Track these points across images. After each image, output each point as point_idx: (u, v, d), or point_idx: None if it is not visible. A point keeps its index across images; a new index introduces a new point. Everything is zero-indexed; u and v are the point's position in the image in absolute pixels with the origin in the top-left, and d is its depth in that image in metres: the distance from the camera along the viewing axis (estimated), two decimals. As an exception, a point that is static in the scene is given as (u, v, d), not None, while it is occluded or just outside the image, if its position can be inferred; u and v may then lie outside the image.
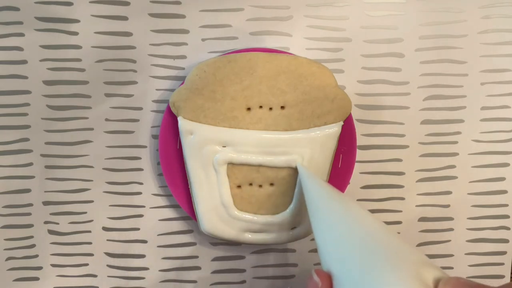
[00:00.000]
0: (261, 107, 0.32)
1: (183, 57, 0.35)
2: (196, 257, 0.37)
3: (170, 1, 0.34)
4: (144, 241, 0.37)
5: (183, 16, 0.35)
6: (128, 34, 0.35)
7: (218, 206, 0.33)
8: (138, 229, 0.37)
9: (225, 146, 0.32)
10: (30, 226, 0.36)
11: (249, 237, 0.33)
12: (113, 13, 0.34)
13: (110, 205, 0.36)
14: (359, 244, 0.23)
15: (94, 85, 0.35)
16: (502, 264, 0.37)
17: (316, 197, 0.28)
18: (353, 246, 0.23)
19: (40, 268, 0.37)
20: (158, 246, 0.37)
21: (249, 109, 0.32)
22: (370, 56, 0.35)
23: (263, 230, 0.33)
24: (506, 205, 0.37)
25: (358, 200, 0.37)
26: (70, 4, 0.34)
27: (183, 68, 0.35)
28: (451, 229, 0.37)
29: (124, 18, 0.35)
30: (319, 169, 0.32)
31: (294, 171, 0.32)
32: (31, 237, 0.36)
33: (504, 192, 0.37)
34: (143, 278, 0.37)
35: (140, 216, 0.36)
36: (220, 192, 0.32)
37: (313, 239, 0.37)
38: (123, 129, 0.36)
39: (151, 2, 0.34)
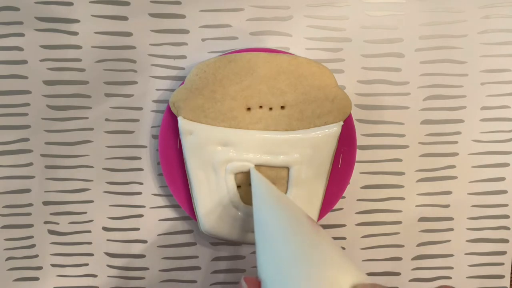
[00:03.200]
0: (261, 107, 0.32)
1: (183, 57, 0.35)
2: (196, 257, 0.37)
3: (170, 1, 0.34)
4: (144, 241, 0.37)
5: (183, 16, 0.35)
6: (128, 34, 0.35)
7: (218, 206, 0.33)
8: (138, 229, 0.37)
9: (225, 146, 0.32)
10: (30, 226, 0.36)
11: (249, 237, 0.33)
12: (113, 13, 0.34)
13: (110, 205, 0.36)
14: (286, 253, 0.23)
15: (94, 85, 0.35)
16: (502, 264, 0.37)
17: (259, 204, 0.28)
18: (281, 255, 0.23)
19: (40, 268, 0.37)
20: (158, 246, 0.37)
21: (249, 109, 0.32)
22: (370, 56, 0.35)
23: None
24: (506, 205, 0.37)
25: (358, 200, 0.37)
26: (70, 4, 0.34)
27: (183, 68, 0.35)
28: (451, 229, 0.37)
29: (124, 18, 0.35)
30: (319, 169, 0.33)
31: (294, 171, 0.32)
32: (31, 237, 0.36)
33: (504, 192, 0.37)
34: (143, 278, 0.37)
35: (140, 216, 0.36)
36: (228, 188, 0.32)
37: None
38: (123, 129, 0.36)
39: (151, 2, 0.34)
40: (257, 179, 0.30)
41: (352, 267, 0.22)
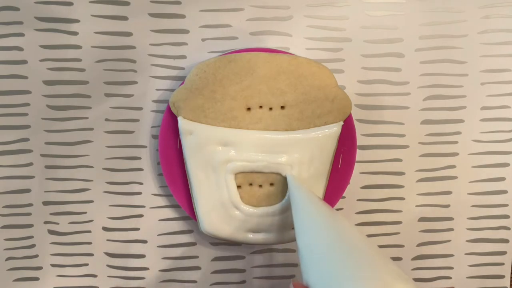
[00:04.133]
0: (261, 107, 0.32)
1: (183, 57, 0.35)
2: (196, 257, 0.37)
3: (170, 1, 0.34)
4: (144, 241, 0.37)
5: (183, 16, 0.35)
6: (128, 34, 0.35)
7: (218, 206, 0.33)
8: (138, 229, 0.37)
9: (225, 146, 0.32)
10: (30, 226, 0.36)
11: (249, 237, 0.33)
12: (113, 13, 0.34)
13: (110, 205, 0.36)
14: (335, 259, 0.23)
15: (94, 85, 0.35)
16: (502, 264, 0.37)
17: (302, 210, 0.28)
18: (330, 261, 0.23)
19: (40, 268, 0.37)
20: (158, 246, 0.37)
21: (249, 109, 0.32)
22: (370, 56, 0.35)
23: (263, 229, 0.33)
24: (506, 205, 0.37)
25: (358, 200, 0.37)
26: (70, 4, 0.34)
27: (183, 68, 0.35)
28: (451, 229, 0.37)
29: (124, 18, 0.35)
30: (319, 169, 0.33)
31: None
32: (31, 237, 0.36)
33: (504, 192, 0.37)
34: (143, 278, 0.37)
35: (140, 216, 0.36)
36: (228, 188, 0.32)
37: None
38: (123, 129, 0.36)
39: (151, 2, 0.34)
40: (295, 185, 0.30)
41: (401, 273, 0.22)
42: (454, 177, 0.37)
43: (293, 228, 0.33)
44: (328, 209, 0.28)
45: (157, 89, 0.35)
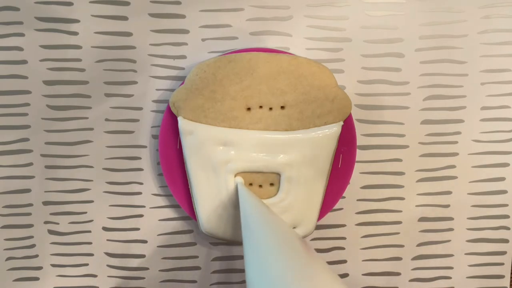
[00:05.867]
0: (261, 107, 0.32)
1: (183, 57, 0.35)
2: (196, 257, 0.37)
3: (170, 1, 0.34)
4: (144, 241, 0.37)
5: (183, 16, 0.35)
6: (128, 34, 0.35)
7: (218, 206, 0.33)
8: (138, 229, 0.37)
9: (225, 146, 0.32)
10: (30, 226, 0.36)
11: (249, 237, 0.33)
12: (113, 13, 0.34)
13: (110, 205, 0.36)
14: (278, 271, 0.22)
15: (94, 85, 0.35)
16: (502, 264, 0.37)
17: (248, 221, 0.27)
18: (272, 273, 0.22)
19: (40, 268, 0.37)
20: (158, 246, 0.37)
21: (249, 109, 0.32)
22: (370, 56, 0.35)
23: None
24: (506, 205, 0.37)
25: (358, 200, 0.37)
26: (70, 4, 0.34)
27: (183, 68, 0.35)
28: (451, 229, 0.37)
29: (124, 18, 0.35)
30: (319, 169, 0.33)
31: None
32: (31, 237, 0.36)
33: (504, 192, 0.37)
34: (143, 278, 0.37)
35: (140, 216, 0.36)
36: (228, 188, 0.32)
37: (312, 239, 0.37)
38: (123, 129, 0.36)
39: (151, 2, 0.34)
40: (245, 195, 0.30)
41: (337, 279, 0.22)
42: (454, 177, 0.37)
43: (292, 228, 0.33)
44: (277, 221, 0.28)
45: (157, 89, 0.35)
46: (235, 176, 0.32)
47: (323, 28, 0.35)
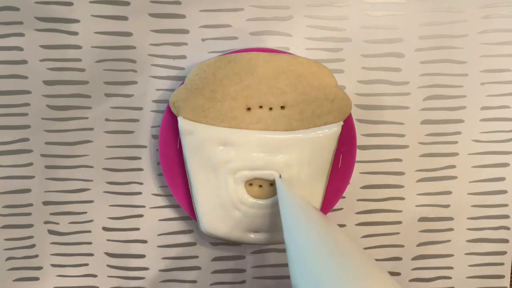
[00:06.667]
0: (261, 107, 0.32)
1: (183, 57, 0.35)
2: (196, 257, 0.37)
3: (170, 1, 0.34)
4: (144, 241, 0.37)
5: (183, 16, 0.35)
6: (128, 34, 0.35)
7: (218, 206, 0.33)
8: (138, 229, 0.37)
9: (225, 146, 0.32)
10: (30, 226, 0.36)
11: (249, 237, 0.33)
12: (113, 13, 0.34)
13: (110, 205, 0.36)
14: (324, 262, 0.22)
15: (94, 85, 0.35)
16: (502, 264, 0.37)
17: (292, 216, 0.27)
18: (319, 263, 0.22)
19: (40, 268, 0.37)
20: (158, 246, 0.37)
21: (249, 109, 0.32)
22: (370, 56, 0.35)
23: (263, 229, 0.33)
24: (506, 205, 0.37)
25: (358, 200, 0.37)
26: (70, 4, 0.34)
27: (183, 68, 0.35)
28: (451, 229, 0.37)
29: (124, 18, 0.35)
30: (319, 169, 0.33)
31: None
32: (31, 237, 0.36)
33: (504, 192, 0.37)
34: (143, 278, 0.37)
35: (140, 216, 0.36)
36: (228, 188, 0.32)
37: (313, 239, 0.37)
38: (123, 129, 0.36)
39: (151, 2, 0.34)
40: (283, 189, 0.30)
41: (392, 281, 0.21)
42: (454, 177, 0.37)
43: None
44: (319, 214, 0.28)
45: (157, 89, 0.35)
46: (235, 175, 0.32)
47: (323, 28, 0.35)
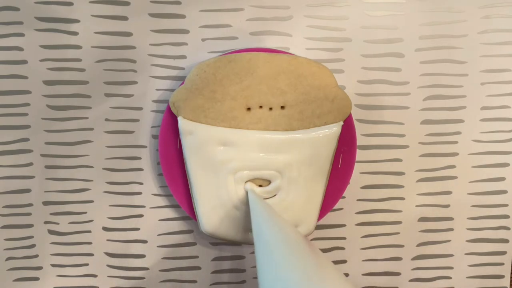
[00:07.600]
0: (261, 107, 0.32)
1: (183, 57, 0.35)
2: (196, 257, 0.37)
3: (170, 1, 0.34)
4: (144, 241, 0.37)
5: (183, 16, 0.35)
6: (128, 34, 0.35)
7: (218, 206, 0.33)
8: (138, 229, 0.37)
9: (225, 146, 0.32)
10: (30, 226, 0.36)
11: (249, 237, 0.33)
12: (113, 13, 0.34)
13: (110, 205, 0.36)
14: (290, 274, 0.22)
15: (94, 85, 0.35)
16: (502, 264, 0.37)
17: (260, 227, 0.27)
18: (285, 276, 0.22)
19: (40, 268, 0.37)
20: (158, 246, 0.37)
21: (249, 109, 0.32)
22: (370, 56, 0.35)
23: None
24: (506, 205, 0.37)
25: (358, 200, 0.37)
26: (70, 4, 0.34)
27: (183, 68, 0.35)
28: (451, 229, 0.37)
29: (124, 18, 0.35)
30: (319, 169, 0.33)
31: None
32: (31, 237, 0.36)
33: (504, 192, 0.37)
34: (143, 278, 0.37)
35: (140, 216, 0.36)
36: (228, 188, 0.32)
37: (312, 239, 0.37)
38: (123, 129, 0.36)
39: (151, 2, 0.34)
40: (255, 200, 0.30)
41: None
42: (454, 177, 0.37)
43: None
44: (284, 222, 0.28)
45: (157, 89, 0.35)
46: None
47: (323, 28, 0.35)
